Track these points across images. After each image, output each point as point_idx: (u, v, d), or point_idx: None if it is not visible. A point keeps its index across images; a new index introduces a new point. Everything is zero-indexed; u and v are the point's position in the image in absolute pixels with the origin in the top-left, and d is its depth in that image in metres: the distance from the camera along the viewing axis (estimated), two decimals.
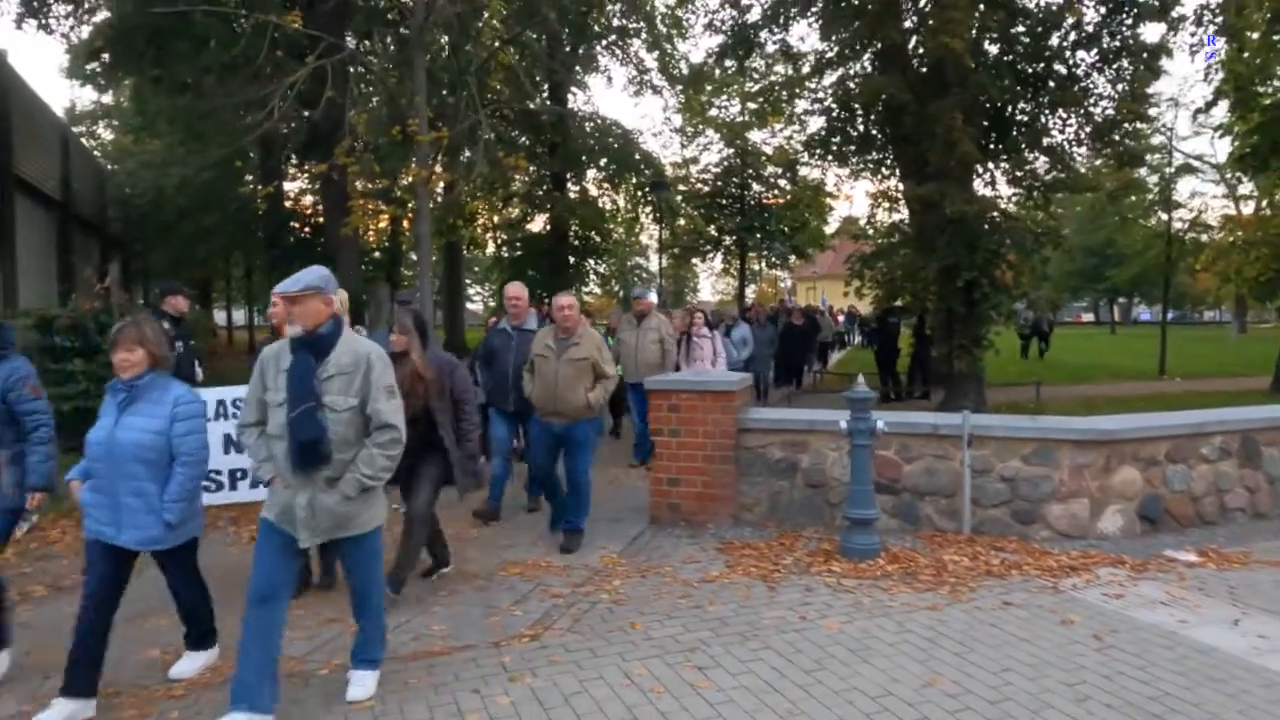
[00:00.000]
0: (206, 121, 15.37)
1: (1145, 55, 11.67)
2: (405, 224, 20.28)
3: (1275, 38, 16.07)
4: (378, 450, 3.28)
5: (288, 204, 22.13)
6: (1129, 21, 11.78)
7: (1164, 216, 25.95)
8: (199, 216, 20.30)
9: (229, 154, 16.40)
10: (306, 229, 21.76)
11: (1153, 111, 13.26)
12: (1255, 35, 16.09)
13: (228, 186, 21.68)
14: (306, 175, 20.62)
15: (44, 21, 14.28)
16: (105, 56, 14.36)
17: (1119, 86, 12.11)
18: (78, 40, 15.95)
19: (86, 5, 14.41)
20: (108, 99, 29.58)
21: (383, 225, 19.96)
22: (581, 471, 5.69)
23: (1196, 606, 4.40)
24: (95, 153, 25.18)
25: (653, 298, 8.59)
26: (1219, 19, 14.83)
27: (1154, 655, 3.78)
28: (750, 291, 31.45)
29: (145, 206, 20.94)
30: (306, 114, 10.41)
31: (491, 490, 6.32)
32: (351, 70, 9.38)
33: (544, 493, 6.25)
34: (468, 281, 36.96)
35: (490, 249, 26.68)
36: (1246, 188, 30.05)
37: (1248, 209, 30.86)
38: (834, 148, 14.72)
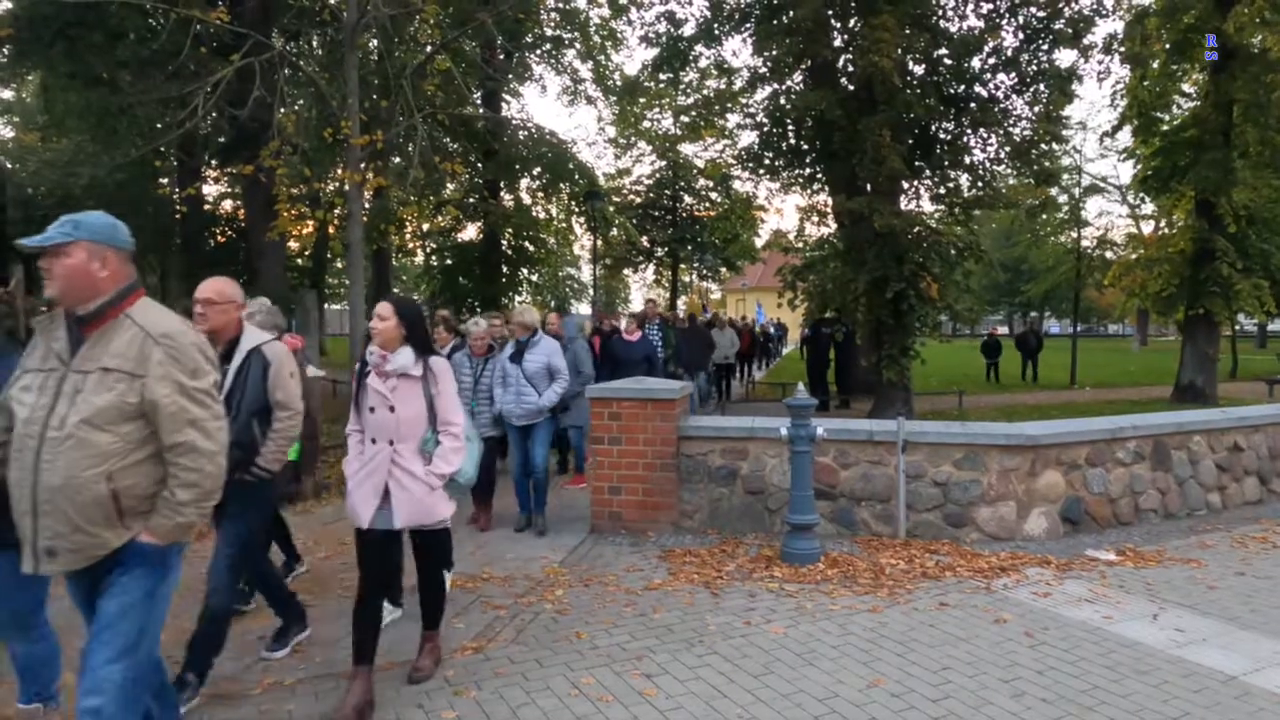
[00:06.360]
0: (121, 119, 14.65)
1: (1059, 79, 12.27)
2: (330, 229, 19.74)
3: (1174, 68, 17.17)
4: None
5: (207, 208, 21.30)
6: (1045, 47, 12.38)
7: (1074, 234, 27.33)
8: None
9: (145, 154, 15.67)
10: (229, 233, 20.97)
11: (1065, 133, 13.93)
12: (1156, 64, 17.16)
13: (142, 188, 20.72)
14: (229, 178, 19.90)
15: None
16: (8, 49, 13.56)
17: (1035, 109, 12.69)
18: None
19: None
20: (8, 94, 28.01)
21: (308, 231, 19.41)
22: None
23: (1118, 603, 4.60)
24: None
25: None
26: (1123, 48, 15.77)
27: (1083, 650, 3.93)
28: (681, 303, 31.71)
29: (50, 208, 19.84)
30: (232, 115, 10.01)
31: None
32: (280, 71, 9.05)
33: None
34: (396, 290, 36.17)
35: (419, 258, 26.22)
36: (1149, 208, 31.87)
37: (1148, 228, 32.74)
38: (766, 161, 14.98)
